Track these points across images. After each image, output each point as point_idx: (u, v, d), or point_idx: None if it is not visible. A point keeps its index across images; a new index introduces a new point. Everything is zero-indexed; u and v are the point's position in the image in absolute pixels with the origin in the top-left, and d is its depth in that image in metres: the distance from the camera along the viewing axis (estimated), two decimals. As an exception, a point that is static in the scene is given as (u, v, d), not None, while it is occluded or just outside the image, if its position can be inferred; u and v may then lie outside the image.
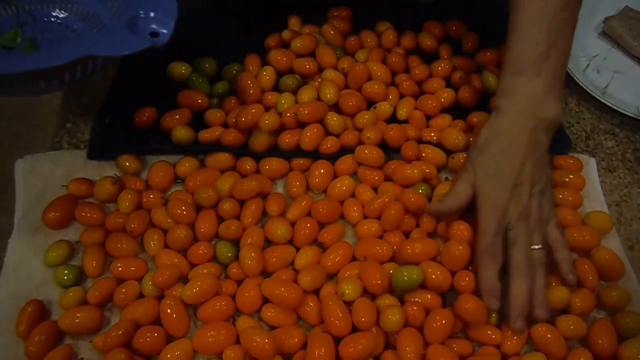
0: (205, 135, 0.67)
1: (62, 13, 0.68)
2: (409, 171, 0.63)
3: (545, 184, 0.59)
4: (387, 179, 0.66)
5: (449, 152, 0.68)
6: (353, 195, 0.65)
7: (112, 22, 0.53)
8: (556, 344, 0.55)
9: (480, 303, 0.55)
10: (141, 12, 0.54)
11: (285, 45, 0.78)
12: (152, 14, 0.54)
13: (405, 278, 0.56)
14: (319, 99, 0.70)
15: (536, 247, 0.56)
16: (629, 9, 0.85)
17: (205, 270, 0.59)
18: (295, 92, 0.71)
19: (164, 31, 0.53)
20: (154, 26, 0.53)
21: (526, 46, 0.59)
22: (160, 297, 0.57)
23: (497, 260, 0.56)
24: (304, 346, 0.54)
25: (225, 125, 0.69)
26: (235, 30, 0.80)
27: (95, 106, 0.71)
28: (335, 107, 0.71)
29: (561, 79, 0.60)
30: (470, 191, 0.58)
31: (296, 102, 0.70)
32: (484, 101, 0.74)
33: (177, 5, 0.54)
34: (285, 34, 0.77)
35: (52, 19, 0.68)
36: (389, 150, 0.67)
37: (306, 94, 0.70)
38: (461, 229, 0.60)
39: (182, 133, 0.67)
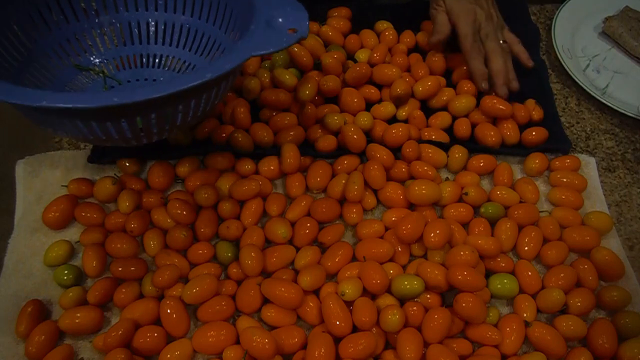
0: (200, 130, 0.68)
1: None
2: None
3: None
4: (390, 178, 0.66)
5: (447, 147, 0.69)
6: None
7: (251, 29, 0.53)
8: (555, 344, 0.55)
9: (477, 299, 0.55)
10: (273, 13, 0.54)
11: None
12: (283, 14, 0.54)
13: (407, 286, 0.56)
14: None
15: (501, 41, 0.73)
16: (628, 9, 0.86)
17: (205, 271, 0.59)
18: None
19: (302, 25, 0.53)
20: (289, 24, 0.53)
21: None
22: (160, 297, 0.57)
23: (481, 52, 0.72)
24: (304, 346, 0.54)
25: (220, 120, 0.70)
26: None
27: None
28: (335, 105, 0.72)
29: None
30: (447, 17, 0.73)
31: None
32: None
33: (301, 3, 0.55)
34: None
35: (137, 80, 0.68)
36: (393, 150, 0.67)
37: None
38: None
39: (179, 135, 0.67)
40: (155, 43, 0.69)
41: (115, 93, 0.46)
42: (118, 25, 0.68)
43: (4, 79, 0.56)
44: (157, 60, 0.69)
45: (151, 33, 0.68)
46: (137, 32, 0.68)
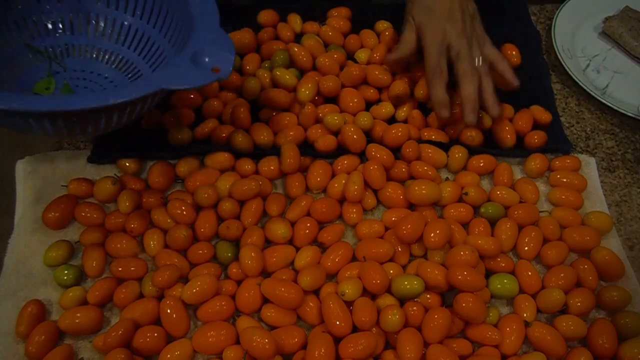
0: (200, 130, 0.68)
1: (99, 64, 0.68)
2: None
3: (473, 12, 0.68)
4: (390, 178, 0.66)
5: (447, 147, 0.69)
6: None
7: (175, 60, 0.54)
8: (555, 344, 0.55)
9: (477, 299, 0.55)
10: (201, 49, 0.55)
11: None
12: (210, 52, 0.55)
13: (407, 286, 0.56)
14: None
15: (479, 60, 0.65)
16: (628, 9, 0.86)
17: (205, 271, 0.59)
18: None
19: (225, 66, 0.54)
20: (214, 62, 0.54)
21: None
22: (160, 297, 0.57)
23: (444, 77, 0.65)
24: (304, 346, 0.54)
25: (220, 120, 0.70)
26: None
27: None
28: (335, 105, 0.72)
29: None
30: (414, 35, 0.67)
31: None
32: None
33: (233, 43, 0.56)
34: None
35: (83, 70, 0.68)
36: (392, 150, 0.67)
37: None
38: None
39: (179, 135, 0.67)
40: (109, 40, 0.69)
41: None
42: (73, 14, 0.68)
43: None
44: (106, 57, 0.69)
45: (100, 28, 0.68)
46: (86, 24, 0.68)
